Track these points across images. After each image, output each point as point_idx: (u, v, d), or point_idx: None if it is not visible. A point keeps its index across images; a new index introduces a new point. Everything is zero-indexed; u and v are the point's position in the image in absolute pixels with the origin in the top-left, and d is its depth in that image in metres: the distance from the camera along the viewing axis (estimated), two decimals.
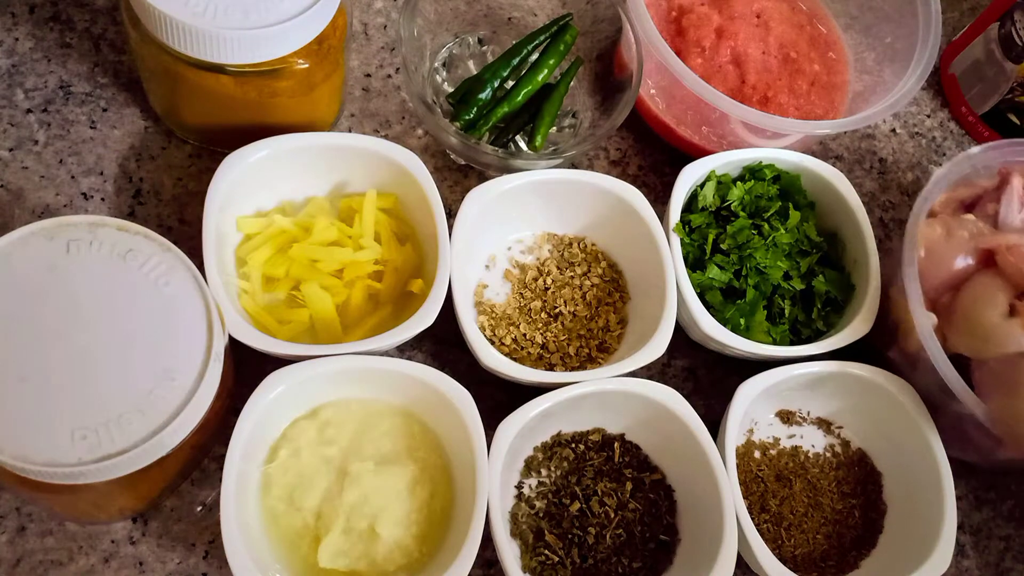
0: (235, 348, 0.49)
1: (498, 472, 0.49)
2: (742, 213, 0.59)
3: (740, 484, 0.52)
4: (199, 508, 0.52)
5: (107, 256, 0.45)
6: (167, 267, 0.46)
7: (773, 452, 0.59)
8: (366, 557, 0.48)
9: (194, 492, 0.52)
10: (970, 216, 0.57)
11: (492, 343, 0.56)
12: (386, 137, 0.61)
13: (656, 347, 0.53)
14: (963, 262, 0.55)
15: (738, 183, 0.60)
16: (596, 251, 0.61)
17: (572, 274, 0.60)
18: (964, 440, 0.56)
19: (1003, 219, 0.57)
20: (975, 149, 0.58)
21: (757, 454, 0.58)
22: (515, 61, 0.63)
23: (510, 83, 0.63)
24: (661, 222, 0.58)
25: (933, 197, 0.57)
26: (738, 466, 0.54)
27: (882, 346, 0.58)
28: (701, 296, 0.56)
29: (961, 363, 0.53)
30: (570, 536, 0.53)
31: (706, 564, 0.50)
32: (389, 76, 0.66)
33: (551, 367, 0.57)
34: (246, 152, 0.53)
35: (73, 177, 0.58)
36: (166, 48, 0.49)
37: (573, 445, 0.55)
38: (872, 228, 0.60)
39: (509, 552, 0.48)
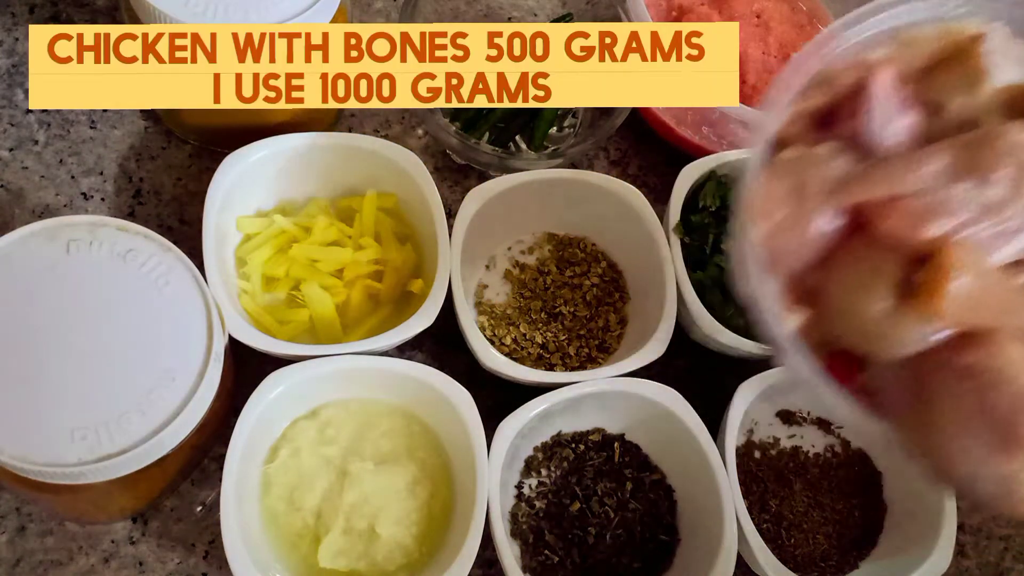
0: (235, 348, 0.49)
1: (498, 472, 0.49)
2: None
3: (740, 484, 0.52)
4: (199, 508, 0.52)
5: (107, 256, 0.45)
6: (167, 267, 0.46)
7: (773, 452, 0.59)
8: (366, 557, 0.48)
9: (194, 492, 0.52)
10: (824, 148, 0.37)
11: (492, 343, 0.56)
12: (386, 137, 0.61)
13: (656, 347, 0.53)
14: (827, 226, 0.37)
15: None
16: (596, 251, 0.61)
17: (572, 274, 0.60)
18: None
19: (871, 139, 0.37)
20: (827, 32, 0.38)
21: (757, 454, 0.58)
22: None
23: None
24: (661, 222, 0.57)
25: (767, 137, 0.38)
26: (738, 466, 0.54)
27: None
28: (701, 296, 0.56)
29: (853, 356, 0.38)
30: (570, 536, 0.53)
31: (706, 564, 0.50)
32: None
33: (551, 367, 0.57)
34: (246, 152, 0.53)
35: (73, 177, 0.58)
36: None
37: (573, 445, 0.55)
38: None
39: (509, 552, 0.48)
